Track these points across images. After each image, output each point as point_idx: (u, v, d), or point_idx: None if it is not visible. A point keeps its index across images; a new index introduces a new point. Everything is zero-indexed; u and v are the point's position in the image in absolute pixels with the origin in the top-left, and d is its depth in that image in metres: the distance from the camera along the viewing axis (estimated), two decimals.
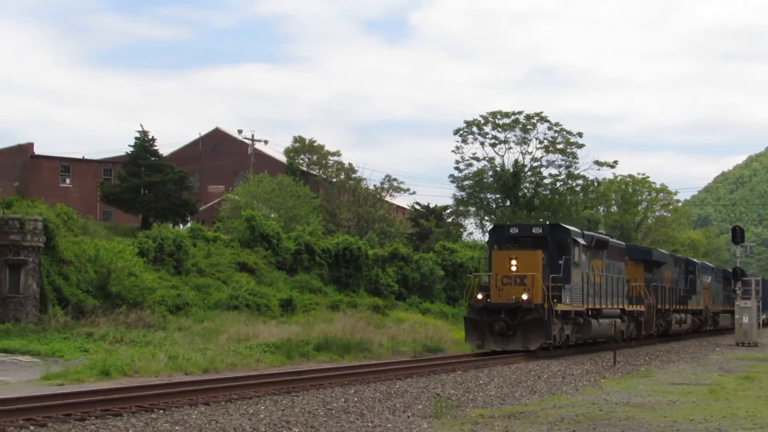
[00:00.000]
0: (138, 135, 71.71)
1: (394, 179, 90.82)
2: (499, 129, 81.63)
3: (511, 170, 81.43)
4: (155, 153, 72.68)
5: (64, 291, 38.35)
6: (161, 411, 18.16)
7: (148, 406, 18.49)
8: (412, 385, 23.79)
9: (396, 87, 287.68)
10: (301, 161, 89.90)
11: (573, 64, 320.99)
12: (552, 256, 35.26)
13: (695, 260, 62.68)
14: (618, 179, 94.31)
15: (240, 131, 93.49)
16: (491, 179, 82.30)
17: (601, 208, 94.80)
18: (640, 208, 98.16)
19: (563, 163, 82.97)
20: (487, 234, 39.12)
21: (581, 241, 37.03)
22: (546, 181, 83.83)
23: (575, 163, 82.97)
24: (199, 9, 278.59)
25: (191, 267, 48.06)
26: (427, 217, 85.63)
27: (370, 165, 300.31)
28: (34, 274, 36.79)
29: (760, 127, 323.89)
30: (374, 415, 18.54)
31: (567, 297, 35.35)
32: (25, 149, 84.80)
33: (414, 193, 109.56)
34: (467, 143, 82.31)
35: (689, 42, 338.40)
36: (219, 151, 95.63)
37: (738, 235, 54.54)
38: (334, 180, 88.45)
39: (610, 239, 43.53)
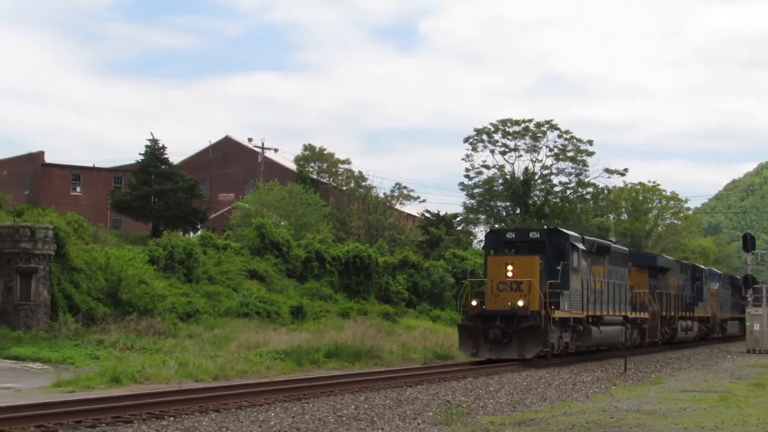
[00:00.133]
0: (148, 143, 71.86)
1: (404, 187, 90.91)
2: (509, 137, 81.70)
3: (521, 178, 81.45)
4: (166, 161, 72.75)
5: (74, 298, 38.42)
6: (171, 418, 18.18)
7: (159, 413, 18.52)
8: (422, 392, 23.76)
9: (406, 95, 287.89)
10: (311, 169, 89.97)
11: (583, 72, 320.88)
12: (550, 261, 34.11)
13: (702, 267, 61.85)
14: (628, 187, 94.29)
15: (250, 139, 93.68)
16: (501, 187, 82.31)
17: (612, 216, 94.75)
18: (650, 215, 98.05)
19: (573, 170, 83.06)
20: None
21: (580, 246, 35.95)
22: (556, 188, 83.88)
23: (585, 170, 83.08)
24: (211, 18, 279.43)
25: (201, 274, 48.12)
26: (437, 224, 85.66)
27: (380, 173, 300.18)
28: (45, 282, 36.88)
29: None
30: (384, 422, 18.51)
31: (565, 304, 34.16)
32: (36, 157, 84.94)
33: (424, 201, 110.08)
34: (477, 151, 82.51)
35: (700, 50, 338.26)
36: (229, 159, 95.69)
37: (749, 243, 54.44)
38: (344, 188, 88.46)
39: (613, 245, 42.55)
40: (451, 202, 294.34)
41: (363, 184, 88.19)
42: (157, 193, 69.61)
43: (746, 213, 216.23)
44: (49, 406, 18.93)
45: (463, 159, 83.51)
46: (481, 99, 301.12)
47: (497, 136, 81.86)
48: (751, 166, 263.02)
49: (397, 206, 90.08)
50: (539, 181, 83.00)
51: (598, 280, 38.04)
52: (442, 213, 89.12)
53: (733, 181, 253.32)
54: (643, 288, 45.20)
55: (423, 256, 68.38)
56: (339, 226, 79.55)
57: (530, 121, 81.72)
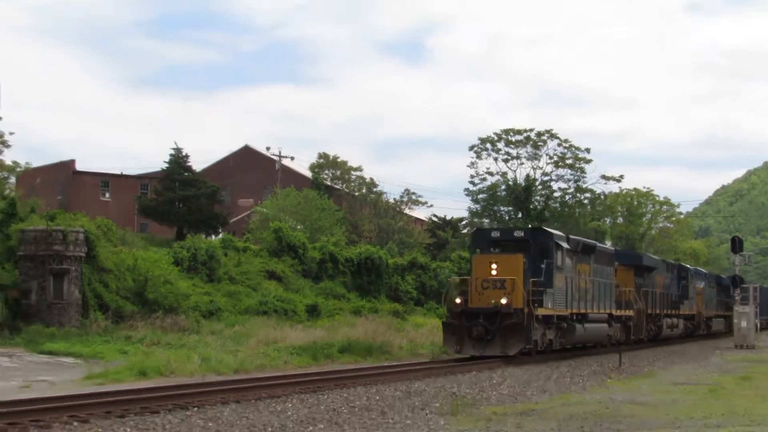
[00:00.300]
0: (173, 152, 72.10)
1: (413, 193, 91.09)
2: (512, 145, 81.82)
3: (523, 184, 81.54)
4: (189, 169, 72.93)
5: (104, 297, 38.53)
6: (195, 409, 18.22)
7: (183, 404, 18.55)
8: (429, 385, 23.78)
9: (414, 106, 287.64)
10: (325, 176, 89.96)
11: (581, 85, 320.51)
12: (534, 259, 32.60)
13: (688, 266, 60.26)
14: (623, 193, 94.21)
15: (268, 148, 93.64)
16: (504, 193, 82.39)
17: (608, 220, 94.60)
18: (644, 219, 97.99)
19: (572, 177, 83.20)
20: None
21: (564, 245, 34.45)
22: (556, 194, 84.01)
23: (583, 177, 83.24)
24: (229, 34, 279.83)
25: (223, 275, 48.19)
26: (443, 228, 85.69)
27: (390, 179, 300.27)
28: (76, 282, 37.00)
29: (758, 143, 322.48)
30: (394, 412, 18.55)
31: (549, 301, 32.74)
32: (68, 166, 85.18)
33: (431, 205, 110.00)
34: (482, 159, 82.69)
35: (693, 62, 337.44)
36: (248, 166, 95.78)
37: (737, 245, 54.32)
38: (356, 194, 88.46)
39: (598, 244, 41.06)
40: (456, 207, 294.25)
41: (374, 190, 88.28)
42: (180, 198, 69.80)
43: (735, 217, 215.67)
44: (81, 397, 19.02)
45: (468, 166, 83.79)
46: (485, 110, 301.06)
47: (500, 145, 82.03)
48: (739, 173, 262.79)
49: (406, 211, 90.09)
50: (540, 187, 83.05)
51: (583, 279, 36.62)
52: (448, 217, 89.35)
53: (723, 187, 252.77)
54: (629, 286, 43.64)
55: (430, 258, 68.39)
56: (351, 229, 79.57)
57: (531, 130, 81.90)
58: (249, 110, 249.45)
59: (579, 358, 35.82)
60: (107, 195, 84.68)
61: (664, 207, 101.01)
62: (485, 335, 31.15)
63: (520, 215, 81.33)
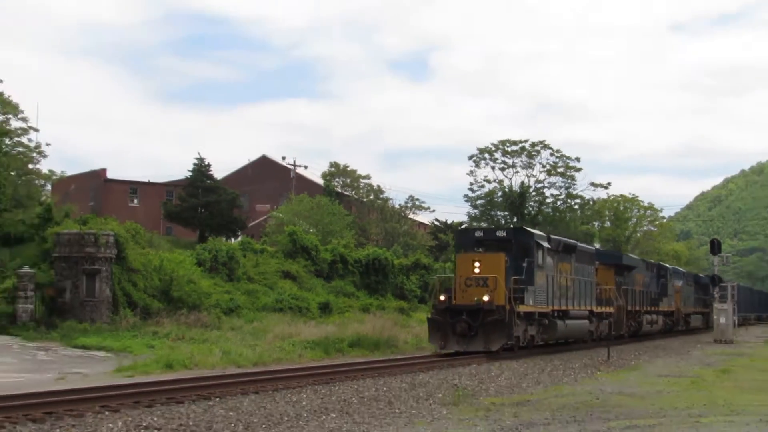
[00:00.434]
0: (196, 161, 72.16)
1: (417, 199, 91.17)
2: (508, 155, 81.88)
3: (518, 191, 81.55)
4: (211, 177, 72.94)
5: (133, 296, 38.51)
6: (217, 399, 18.24)
7: (206, 395, 18.57)
8: (433, 377, 23.76)
9: (418, 119, 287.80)
10: (336, 184, 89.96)
11: (573, 99, 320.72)
12: (516, 258, 31.81)
13: (667, 265, 59.47)
14: (611, 198, 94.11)
15: (284, 158, 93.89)
16: (500, 199, 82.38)
17: (596, 224, 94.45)
18: (630, 223, 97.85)
19: (563, 184, 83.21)
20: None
21: (545, 244, 33.60)
22: (548, 200, 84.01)
23: (574, 184, 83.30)
24: (248, 52, 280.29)
25: (242, 275, 48.17)
26: (445, 231, 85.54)
27: (396, 186, 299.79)
28: (107, 281, 37.00)
29: (735, 153, 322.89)
30: (400, 402, 18.53)
31: (530, 298, 32.04)
32: (99, 174, 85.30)
33: (434, 210, 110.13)
34: (480, 167, 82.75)
35: (677, 78, 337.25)
36: (266, 175, 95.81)
37: (716, 247, 54.11)
38: (365, 200, 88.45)
39: (579, 244, 40.03)
40: (457, 212, 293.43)
41: (381, 196, 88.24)
42: (203, 204, 69.86)
43: (713, 221, 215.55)
44: (112, 388, 19.02)
45: (467, 174, 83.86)
46: (483, 122, 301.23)
47: (497, 155, 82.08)
48: (717, 180, 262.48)
49: (411, 215, 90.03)
50: (533, 193, 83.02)
51: (564, 277, 35.77)
52: (449, 221, 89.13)
53: (702, 193, 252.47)
54: (610, 284, 42.75)
55: (433, 259, 68.39)
56: (360, 232, 79.54)
57: (526, 141, 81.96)
58: (267, 123, 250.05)
59: (570, 352, 35.74)
60: (135, 201, 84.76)
61: (649, 212, 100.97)
62: (468, 331, 30.47)
63: (515, 219, 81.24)
